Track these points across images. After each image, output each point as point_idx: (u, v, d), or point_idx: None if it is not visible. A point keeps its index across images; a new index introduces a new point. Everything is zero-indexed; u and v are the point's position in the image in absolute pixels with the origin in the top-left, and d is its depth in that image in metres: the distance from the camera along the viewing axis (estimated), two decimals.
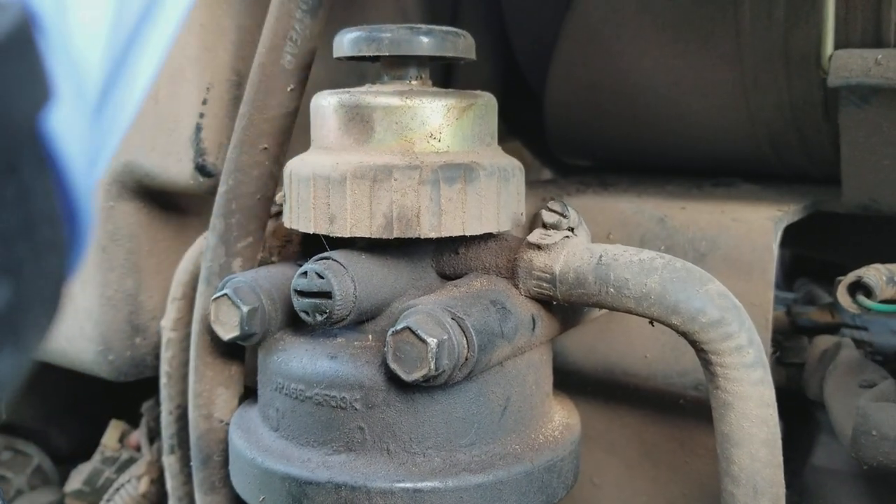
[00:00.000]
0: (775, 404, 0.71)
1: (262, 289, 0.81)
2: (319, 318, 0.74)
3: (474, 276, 0.81)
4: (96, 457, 1.46)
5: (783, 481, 0.72)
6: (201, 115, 1.04)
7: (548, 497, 0.78)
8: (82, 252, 0.37)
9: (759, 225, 0.92)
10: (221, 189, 0.90)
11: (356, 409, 0.74)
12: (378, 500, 0.71)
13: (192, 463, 0.96)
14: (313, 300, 0.74)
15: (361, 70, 1.19)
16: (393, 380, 0.72)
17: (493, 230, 0.78)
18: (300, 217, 0.79)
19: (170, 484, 1.11)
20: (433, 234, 0.75)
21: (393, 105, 0.77)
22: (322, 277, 0.74)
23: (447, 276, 0.84)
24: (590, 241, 0.82)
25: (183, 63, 1.04)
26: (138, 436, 1.43)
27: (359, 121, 0.78)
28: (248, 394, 0.93)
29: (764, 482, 0.71)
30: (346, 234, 0.76)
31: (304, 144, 0.85)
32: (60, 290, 0.35)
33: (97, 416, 1.52)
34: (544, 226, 0.79)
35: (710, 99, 1.17)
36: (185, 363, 0.99)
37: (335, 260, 0.75)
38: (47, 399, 1.63)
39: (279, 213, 0.92)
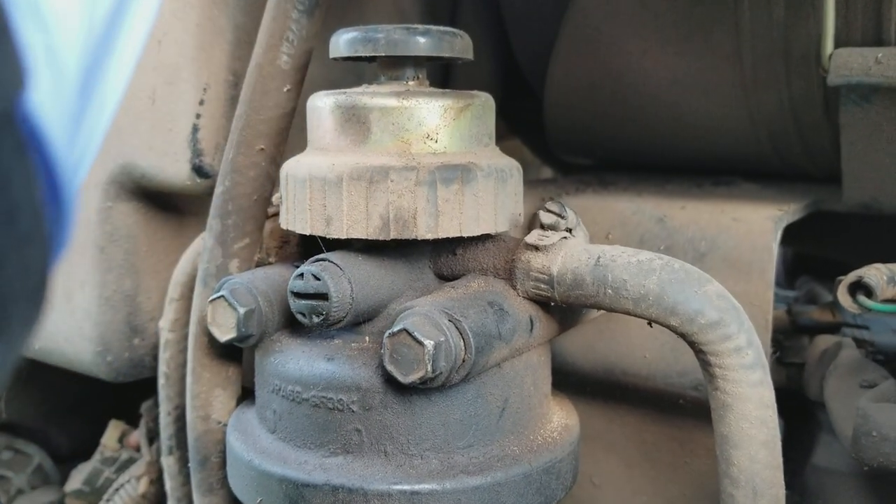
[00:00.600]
0: (775, 405, 0.71)
1: (258, 290, 0.81)
2: (316, 319, 0.74)
3: (472, 277, 0.80)
4: (96, 457, 1.46)
5: (783, 482, 0.72)
6: (198, 116, 1.04)
7: (546, 498, 0.77)
8: (66, 240, 0.36)
9: (759, 225, 0.92)
10: (218, 190, 0.90)
11: (353, 411, 0.74)
12: (375, 503, 0.71)
13: (189, 464, 0.95)
14: (310, 302, 0.74)
15: (358, 70, 1.18)
16: (390, 382, 0.72)
17: (491, 231, 0.78)
18: (297, 218, 0.78)
19: (169, 485, 1.11)
20: (430, 236, 0.75)
21: (389, 106, 0.77)
22: (318, 279, 0.73)
23: (445, 278, 0.83)
24: (588, 241, 0.81)
25: (180, 63, 1.04)
26: (138, 436, 1.43)
27: (355, 122, 0.77)
28: (246, 395, 0.93)
29: (763, 483, 0.70)
30: (343, 236, 0.75)
31: (301, 145, 0.85)
32: (45, 280, 0.33)
33: (97, 416, 1.52)
34: (542, 227, 0.79)
35: (710, 98, 1.17)
36: (184, 364, 0.98)
37: (332, 261, 0.75)
38: (47, 399, 1.63)
39: (276, 214, 0.92)
